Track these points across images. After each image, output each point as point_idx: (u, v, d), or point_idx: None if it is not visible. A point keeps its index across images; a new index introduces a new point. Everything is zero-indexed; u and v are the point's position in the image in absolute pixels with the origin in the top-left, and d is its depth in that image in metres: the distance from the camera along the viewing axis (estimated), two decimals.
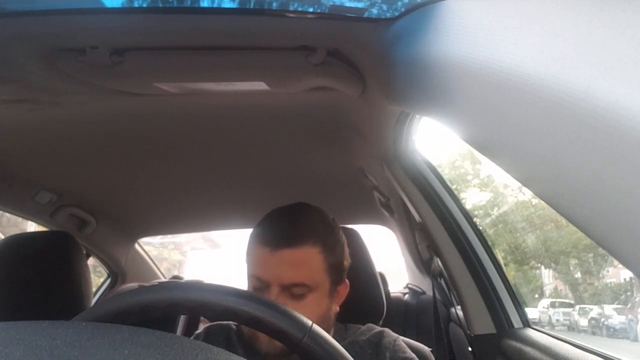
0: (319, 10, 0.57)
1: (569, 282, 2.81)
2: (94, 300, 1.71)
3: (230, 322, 0.86)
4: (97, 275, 2.64)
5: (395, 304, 1.68)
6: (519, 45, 0.33)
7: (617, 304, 2.23)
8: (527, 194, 2.47)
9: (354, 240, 0.99)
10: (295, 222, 0.80)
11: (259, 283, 0.77)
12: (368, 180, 1.50)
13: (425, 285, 1.73)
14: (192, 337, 0.83)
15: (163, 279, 2.17)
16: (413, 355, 0.81)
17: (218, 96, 0.91)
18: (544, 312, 2.64)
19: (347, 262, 0.85)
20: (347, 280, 0.85)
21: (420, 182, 1.17)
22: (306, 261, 0.77)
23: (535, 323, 1.16)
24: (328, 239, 0.81)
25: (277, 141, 1.27)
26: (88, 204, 1.66)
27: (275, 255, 0.76)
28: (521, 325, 1.11)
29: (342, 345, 0.52)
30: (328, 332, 0.76)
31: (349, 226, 1.03)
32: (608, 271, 2.44)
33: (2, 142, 1.11)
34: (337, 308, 0.84)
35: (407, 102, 0.62)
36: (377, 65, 0.68)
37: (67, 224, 1.62)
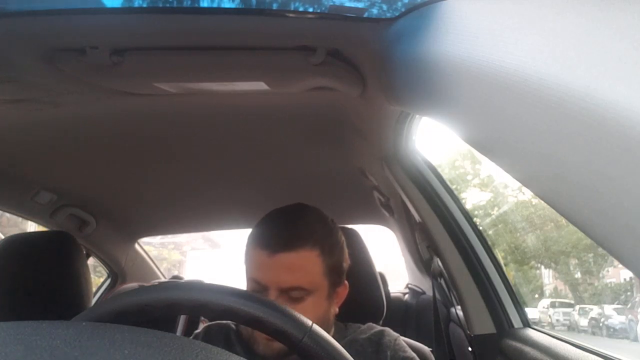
0: (319, 10, 0.57)
1: (569, 282, 2.81)
2: (94, 300, 1.71)
3: (230, 321, 0.86)
4: (97, 275, 2.65)
5: (395, 304, 1.68)
6: (519, 45, 0.33)
7: (617, 304, 2.24)
8: (527, 194, 2.47)
9: (354, 240, 0.98)
10: (293, 225, 0.79)
11: (257, 286, 0.77)
12: (368, 180, 1.50)
13: (425, 285, 1.73)
14: (191, 337, 0.83)
15: (163, 279, 2.17)
16: (413, 354, 0.81)
17: (218, 96, 0.91)
18: (544, 312, 2.64)
19: (346, 263, 0.84)
20: (346, 282, 0.84)
21: (420, 182, 1.17)
22: (304, 265, 0.76)
23: (535, 323, 1.16)
24: (327, 241, 0.80)
25: (277, 141, 1.27)
26: (88, 204, 1.66)
27: (273, 259, 0.76)
28: (521, 325, 1.11)
29: (343, 343, 0.52)
30: (328, 332, 0.76)
31: (349, 226, 1.03)
32: (608, 271, 2.44)
33: (2, 142, 1.11)
34: (337, 309, 0.83)
35: (407, 102, 0.62)
36: (377, 65, 0.68)
37: (67, 224, 1.62)
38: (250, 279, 0.78)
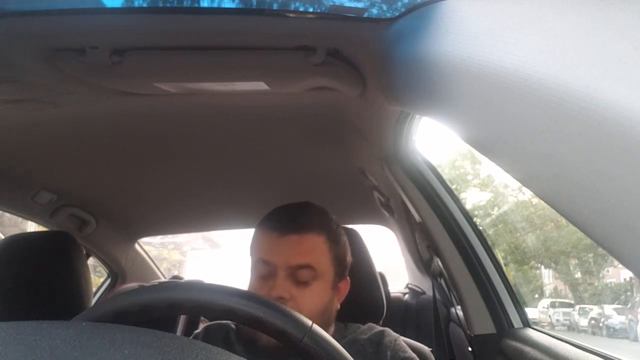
0: (319, 10, 0.57)
1: (569, 282, 2.81)
2: (94, 300, 1.71)
3: (230, 321, 0.86)
4: (97, 275, 2.65)
5: (395, 304, 1.68)
6: (519, 45, 0.33)
7: (617, 304, 2.23)
8: (527, 194, 2.48)
9: (354, 240, 0.99)
10: (301, 213, 0.83)
11: (265, 267, 0.79)
12: (368, 180, 1.50)
13: (425, 285, 1.73)
14: (191, 337, 0.83)
15: (163, 279, 2.17)
16: (414, 355, 0.81)
17: (218, 96, 0.91)
18: (544, 312, 2.64)
19: (349, 259, 0.87)
20: (348, 278, 0.86)
21: (420, 182, 1.17)
22: (312, 247, 0.80)
23: (535, 323, 1.16)
24: (332, 231, 0.83)
25: (276, 141, 1.27)
26: (88, 204, 1.66)
27: (282, 238, 0.79)
28: (521, 325, 1.11)
29: (343, 343, 0.52)
30: (328, 328, 0.76)
31: (349, 226, 1.03)
32: (608, 271, 2.44)
33: (2, 142, 1.11)
34: (338, 305, 0.85)
35: (407, 102, 0.62)
36: (377, 65, 0.68)
37: (67, 224, 1.62)
38: (259, 261, 0.80)
